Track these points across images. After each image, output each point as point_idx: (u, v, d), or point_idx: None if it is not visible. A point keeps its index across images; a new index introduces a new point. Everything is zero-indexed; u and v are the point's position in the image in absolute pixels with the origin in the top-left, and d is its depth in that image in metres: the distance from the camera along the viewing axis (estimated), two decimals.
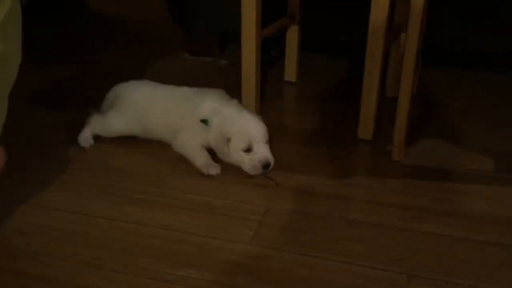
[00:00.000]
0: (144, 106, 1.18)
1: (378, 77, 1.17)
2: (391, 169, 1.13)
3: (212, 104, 1.14)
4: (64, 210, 0.96)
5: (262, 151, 1.09)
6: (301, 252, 0.88)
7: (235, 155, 1.09)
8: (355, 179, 1.09)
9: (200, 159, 1.11)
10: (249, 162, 1.08)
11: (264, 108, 1.38)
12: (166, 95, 1.20)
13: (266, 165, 1.08)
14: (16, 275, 0.80)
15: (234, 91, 1.24)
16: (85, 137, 1.19)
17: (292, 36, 1.51)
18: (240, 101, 1.22)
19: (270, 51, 1.71)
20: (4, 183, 0.98)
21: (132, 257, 0.85)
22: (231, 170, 1.11)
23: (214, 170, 1.09)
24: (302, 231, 0.93)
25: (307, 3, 1.51)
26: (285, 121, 1.36)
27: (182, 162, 1.13)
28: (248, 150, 1.08)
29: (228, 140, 1.09)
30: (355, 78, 1.28)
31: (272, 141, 1.15)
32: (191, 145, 1.14)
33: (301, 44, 1.54)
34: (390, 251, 0.88)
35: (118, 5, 2.40)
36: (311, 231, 0.93)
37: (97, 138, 1.20)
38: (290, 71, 1.57)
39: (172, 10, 1.72)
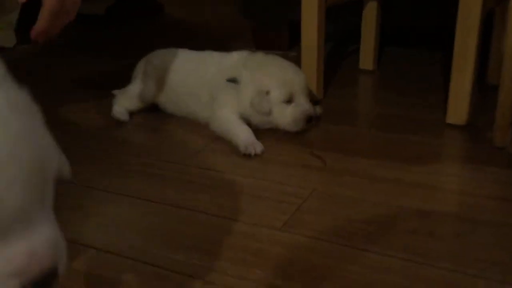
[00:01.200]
0: (171, 71, 1.02)
1: (474, 46, 0.90)
2: (490, 157, 0.84)
3: (239, 57, 0.96)
4: (81, 185, 0.80)
5: (304, 103, 0.92)
6: (347, 244, 0.63)
7: (276, 109, 0.91)
8: (440, 167, 0.82)
9: (240, 134, 0.89)
10: (291, 115, 0.91)
11: (334, 94, 1.16)
12: (193, 59, 1.03)
13: (309, 119, 0.90)
14: None
15: None
16: (118, 110, 1.04)
17: (369, 17, 1.29)
18: None
19: (347, 47, 1.50)
20: None
21: (122, 235, 0.66)
22: (271, 147, 0.89)
23: (255, 148, 0.87)
24: (352, 220, 0.68)
25: None
26: (357, 106, 1.13)
27: (219, 140, 0.94)
28: (289, 101, 0.92)
29: (267, 92, 0.90)
30: (443, 66, 1.02)
31: (340, 126, 0.97)
32: (227, 118, 0.93)
33: (381, 31, 1.32)
34: (480, 252, 0.60)
35: (193, 10, 2.39)
36: (364, 221, 0.67)
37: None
38: (367, 58, 1.33)
39: (241, 4, 1.59)
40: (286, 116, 0.92)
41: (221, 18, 2.06)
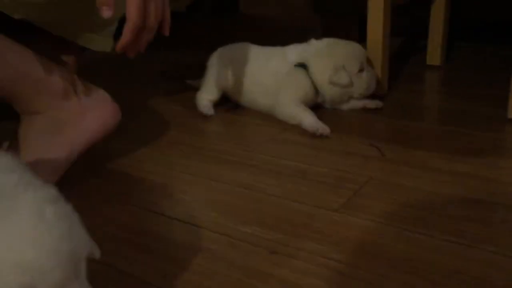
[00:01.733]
0: (241, 63, 1.12)
1: None
2: None
3: (301, 47, 1.07)
4: (155, 165, 0.93)
5: (371, 69, 1.10)
6: (399, 226, 0.69)
7: (353, 79, 1.06)
8: (493, 159, 0.86)
9: (308, 118, 1.00)
10: (366, 82, 1.07)
11: (399, 89, 1.21)
12: (261, 53, 1.13)
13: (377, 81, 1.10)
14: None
15: None
16: (203, 105, 1.13)
17: (437, 11, 1.31)
18: None
19: (418, 43, 1.53)
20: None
21: (201, 209, 0.77)
22: (334, 138, 0.97)
23: (325, 129, 0.98)
24: (406, 206, 0.74)
25: None
26: (420, 101, 1.17)
27: (287, 131, 1.02)
28: (361, 71, 1.07)
29: (343, 67, 1.03)
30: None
31: (401, 119, 1.05)
32: (294, 103, 1.04)
33: (450, 26, 1.34)
34: None
35: (267, 6, 2.48)
36: (417, 207, 0.74)
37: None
38: (434, 54, 1.36)
39: None
40: (362, 83, 1.07)
41: (294, 12, 2.13)
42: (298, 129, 1.02)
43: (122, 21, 0.72)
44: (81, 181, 0.87)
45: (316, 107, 1.09)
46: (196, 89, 1.18)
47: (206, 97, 1.14)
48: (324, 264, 0.63)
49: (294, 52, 1.10)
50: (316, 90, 1.08)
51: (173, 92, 1.29)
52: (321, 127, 0.98)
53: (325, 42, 1.11)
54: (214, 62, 1.16)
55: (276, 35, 1.94)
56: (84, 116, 0.83)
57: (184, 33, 2.12)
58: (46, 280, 0.40)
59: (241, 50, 1.16)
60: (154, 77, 1.46)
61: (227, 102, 1.17)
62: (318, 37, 1.68)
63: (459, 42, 1.52)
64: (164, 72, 1.48)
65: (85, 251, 0.44)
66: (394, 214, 0.72)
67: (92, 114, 0.84)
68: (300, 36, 1.55)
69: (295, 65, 1.07)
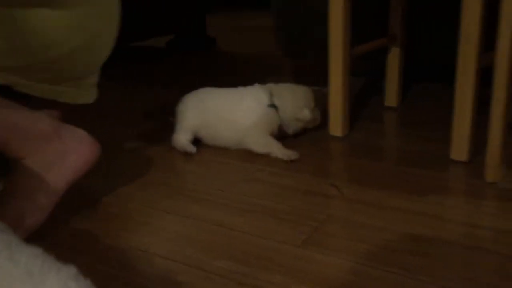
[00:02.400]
0: (209, 108, 1.27)
1: (472, 93, 1.06)
2: (484, 191, 0.99)
3: (263, 89, 1.26)
4: (138, 204, 1.02)
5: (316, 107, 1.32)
6: (352, 260, 0.80)
7: (313, 115, 1.28)
8: (437, 197, 0.98)
9: (279, 149, 1.19)
10: (317, 116, 1.31)
11: (360, 129, 1.35)
12: (226, 95, 1.28)
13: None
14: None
15: None
16: (184, 143, 1.24)
17: (393, 59, 1.46)
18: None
19: (379, 82, 1.66)
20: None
21: (179, 245, 0.86)
22: (298, 178, 1.09)
23: (295, 155, 1.17)
24: (360, 241, 0.85)
25: (411, 25, 1.45)
26: (379, 141, 1.30)
27: (259, 172, 1.13)
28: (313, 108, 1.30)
29: (304, 106, 1.27)
30: None
31: (356, 158, 1.19)
32: (266, 136, 1.21)
33: (407, 69, 1.48)
34: (456, 270, 0.76)
35: (243, 45, 2.63)
36: (369, 242, 0.85)
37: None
38: (391, 96, 1.50)
39: (280, 41, 1.78)
40: (316, 117, 1.30)
41: (268, 52, 2.26)
42: (268, 170, 1.14)
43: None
44: (66, 220, 0.95)
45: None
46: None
47: (183, 137, 1.25)
48: None
49: (261, 93, 1.27)
50: (280, 125, 1.27)
51: (154, 131, 1.39)
52: (292, 154, 1.17)
53: (285, 86, 1.30)
54: (185, 108, 1.29)
55: (249, 72, 2.07)
56: (67, 155, 0.93)
57: (163, 68, 2.24)
58: None
59: (208, 94, 1.30)
60: (135, 115, 1.56)
61: (198, 142, 1.28)
62: (288, 76, 1.81)
63: (414, 83, 1.67)
64: (146, 111, 1.58)
65: None
66: (349, 249, 0.83)
67: (74, 153, 0.94)
68: (270, 74, 1.68)
69: (268, 105, 1.25)
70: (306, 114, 1.27)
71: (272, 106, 1.25)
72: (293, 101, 1.27)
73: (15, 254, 0.56)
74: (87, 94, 1.01)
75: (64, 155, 0.92)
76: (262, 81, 1.32)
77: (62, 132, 0.94)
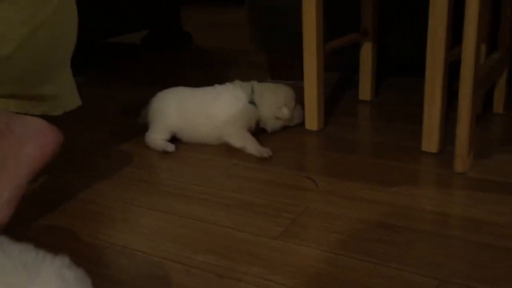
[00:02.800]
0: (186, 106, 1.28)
1: (440, 87, 1.10)
2: (452, 181, 1.03)
3: (246, 86, 1.28)
4: (117, 201, 1.03)
5: (298, 104, 1.35)
6: (326, 250, 0.83)
7: (291, 115, 1.31)
8: (408, 188, 1.01)
9: (253, 145, 1.20)
10: (299, 115, 1.34)
11: (335, 123, 1.38)
12: (204, 93, 1.30)
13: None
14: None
15: None
16: (161, 143, 1.25)
17: (366, 54, 1.49)
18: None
19: (353, 76, 1.70)
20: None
21: (158, 241, 0.88)
22: (274, 172, 1.11)
23: (267, 152, 1.18)
24: (334, 232, 0.88)
25: (383, 20, 1.48)
26: (353, 135, 1.33)
27: (234, 166, 1.15)
28: (295, 106, 1.33)
29: (285, 105, 1.29)
30: None
31: (331, 152, 1.21)
32: (240, 133, 1.23)
33: (380, 64, 1.52)
34: (426, 256, 0.80)
35: (220, 40, 2.63)
36: (342, 232, 0.88)
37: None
38: (365, 90, 1.53)
39: (254, 35, 1.80)
40: (296, 116, 1.33)
41: (245, 48, 2.27)
42: (242, 164, 1.16)
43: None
44: (44, 218, 0.96)
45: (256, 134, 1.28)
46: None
47: (160, 136, 1.26)
48: (265, 285, 0.75)
49: (241, 90, 1.28)
50: (258, 122, 1.29)
51: (130, 128, 1.40)
52: (265, 151, 1.19)
53: (266, 85, 1.31)
54: (162, 106, 1.29)
55: (225, 67, 2.08)
56: (23, 147, 0.92)
57: (138, 65, 2.23)
58: None
59: (183, 92, 1.31)
60: (113, 113, 1.56)
61: (173, 138, 1.29)
62: (264, 71, 1.83)
63: (388, 76, 1.71)
64: (121, 109, 1.58)
65: None
66: (324, 240, 0.86)
67: (30, 143, 0.92)
68: (246, 69, 1.70)
69: (249, 102, 1.27)
70: (285, 112, 1.29)
71: (252, 103, 1.27)
72: (273, 100, 1.29)
73: (7, 249, 0.57)
74: (71, 101, 1.01)
75: (19, 148, 0.91)
76: (239, 77, 1.34)
77: (14, 125, 0.92)
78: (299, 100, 1.35)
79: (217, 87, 1.31)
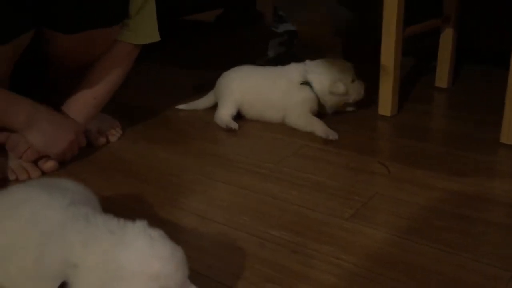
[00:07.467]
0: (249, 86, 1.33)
1: None
2: None
3: (297, 67, 1.30)
4: (194, 173, 1.10)
5: (359, 80, 1.32)
6: (397, 235, 0.85)
7: (348, 88, 1.28)
8: (482, 179, 1.01)
9: (319, 127, 1.22)
10: (358, 89, 1.31)
11: (408, 110, 1.37)
12: (265, 74, 1.33)
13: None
14: None
15: None
16: (228, 120, 1.30)
17: (446, 40, 1.46)
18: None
19: (430, 63, 1.66)
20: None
21: (234, 214, 0.93)
22: (346, 155, 1.14)
23: (334, 135, 1.19)
24: (404, 218, 0.90)
25: (466, 6, 1.44)
26: (427, 123, 1.32)
27: (305, 147, 1.19)
28: (353, 81, 1.29)
29: (340, 79, 1.27)
30: None
31: (404, 139, 1.22)
32: (305, 115, 1.26)
33: (459, 52, 1.48)
34: (500, 249, 0.80)
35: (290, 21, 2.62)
36: (413, 219, 0.89)
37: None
38: (442, 76, 1.50)
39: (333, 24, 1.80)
40: (355, 91, 1.30)
41: (316, 29, 2.27)
42: (312, 146, 1.19)
43: None
44: (130, 187, 1.04)
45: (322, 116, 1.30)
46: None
47: (227, 113, 1.32)
48: (335, 263, 0.79)
49: (295, 72, 1.30)
50: (319, 101, 1.29)
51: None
52: (331, 133, 1.20)
53: (319, 62, 1.31)
54: (225, 82, 1.35)
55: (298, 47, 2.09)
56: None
57: (212, 43, 2.29)
58: (174, 280, 0.59)
59: (248, 71, 1.36)
60: (187, 90, 1.63)
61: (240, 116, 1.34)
62: (336, 53, 1.83)
63: (467, 65, 1.66)
64: (197, 86, 1.64)
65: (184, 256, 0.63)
66: (392, 224, 0.88)
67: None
68: (318, 51, 1.70)
69: (301, 83, 1.28)
70: (339, 87, 1.26)
71: (306, 83, 1.28)
72: (328, 75, 1.27)
73: (92, 220, 0.65)
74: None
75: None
76: (307, 58, 1.35)
77: None
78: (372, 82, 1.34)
79: (278, 69, 1.34)
